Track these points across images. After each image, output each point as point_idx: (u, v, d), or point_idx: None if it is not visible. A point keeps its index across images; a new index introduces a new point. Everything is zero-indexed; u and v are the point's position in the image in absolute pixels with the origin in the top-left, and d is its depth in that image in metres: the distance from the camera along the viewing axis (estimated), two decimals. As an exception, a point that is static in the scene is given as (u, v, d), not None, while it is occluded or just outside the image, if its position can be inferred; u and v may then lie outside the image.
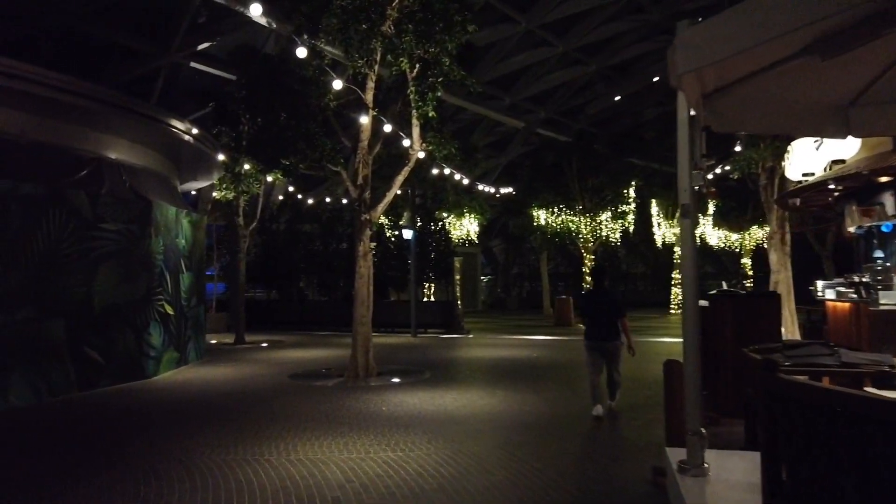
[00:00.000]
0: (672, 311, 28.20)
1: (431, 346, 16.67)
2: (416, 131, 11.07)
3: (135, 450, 6.42)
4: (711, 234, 30.13)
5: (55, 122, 10.42)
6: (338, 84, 10.57)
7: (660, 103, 32.44)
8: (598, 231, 21.97)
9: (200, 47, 18.56)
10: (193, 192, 22.78)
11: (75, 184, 10.28)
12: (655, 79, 25.92)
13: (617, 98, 27.75)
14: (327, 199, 23.93)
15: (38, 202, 9.38)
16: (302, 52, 10.08)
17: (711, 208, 28.52)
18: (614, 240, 22.27)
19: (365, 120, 11.18)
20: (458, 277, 20.80)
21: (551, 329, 21.52)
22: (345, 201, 25.14)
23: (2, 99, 9.41)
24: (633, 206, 22.33)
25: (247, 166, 15.15)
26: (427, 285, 22.85)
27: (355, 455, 6.14)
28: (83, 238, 10.00)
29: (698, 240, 28.89)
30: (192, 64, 18.91)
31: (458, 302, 19.78)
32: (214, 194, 18.61)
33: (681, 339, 4.35)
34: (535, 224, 22.90)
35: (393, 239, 21.85)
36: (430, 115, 10.59)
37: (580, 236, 21.97)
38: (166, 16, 17.52)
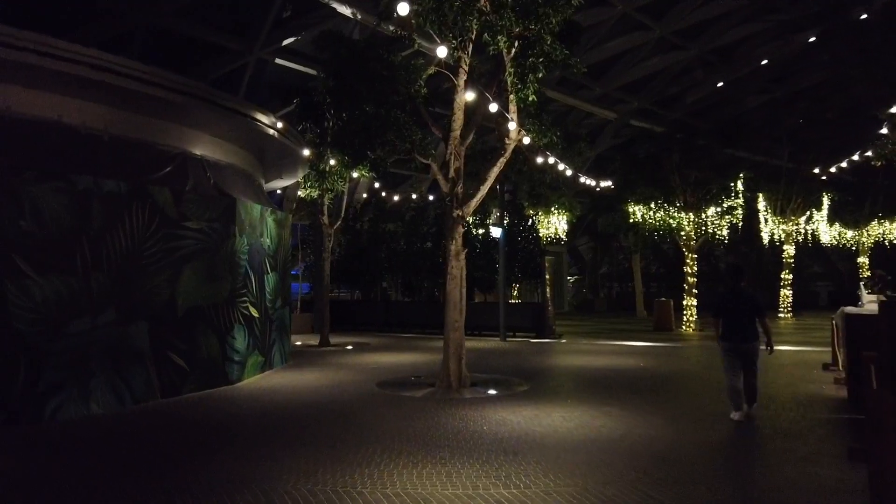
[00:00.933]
0: (781, 316, 25.87)
1: (522, 352, 15.59)
2: (513, 118, 10.05)
3: (214, 471, 5.72)
4: (824, 231, 27.50)
5: (139, 117, 10.06)
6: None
7: (764, 90, 30.03)
8: (704, 228, 20.18)
9: (285, 42, 18.24)
10: (279, 191, 22.65)
11: (159, 181, 9.87)
12: (764, 62, 23.76)
13: (720, 84, 25.68)
14: (413, 196, 23.28)
15: (121, 199, 8.98)
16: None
17: (826, 202, 25.99)
18: (721, 237, 20.41)
19: (458, 107, 10.25)
20: (548, 278, 19.57)
21: (651, 334, 19.97)
22: (431, 197, 24.45)
23: (86, 93, 9.08)
24: (741, 200, 20.38)
25: (332, 162, 14.58)
26: (515, 286, 21.75)
27: (461, 491, 5.19)
28: (167, 237, 9.57)
29: (809, 237, 26.40)
30: (278, 60, 18.63)
31: (549, 304, 18.56)
32: (299, 193, 18.24)
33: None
34: (630, 220, 21.35)
35: (479, 237, 20.87)
36: (530, 98, 9.56)
37: (682, 234, 20.25)
38: (252, 12, 17.27)
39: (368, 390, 10.13)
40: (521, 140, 10.46)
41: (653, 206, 20.83)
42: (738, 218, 20.25)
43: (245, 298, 11.11)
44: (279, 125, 12.07)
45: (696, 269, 21.21)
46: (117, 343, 8.77)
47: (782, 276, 26.21)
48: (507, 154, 10.46)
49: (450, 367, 10.34)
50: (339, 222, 17.41)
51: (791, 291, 26.34)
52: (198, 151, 11.21)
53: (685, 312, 21.03)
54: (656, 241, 21.23)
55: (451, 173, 10.56)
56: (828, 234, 27.58)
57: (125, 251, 8.96)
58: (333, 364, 13.35)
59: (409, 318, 21.41)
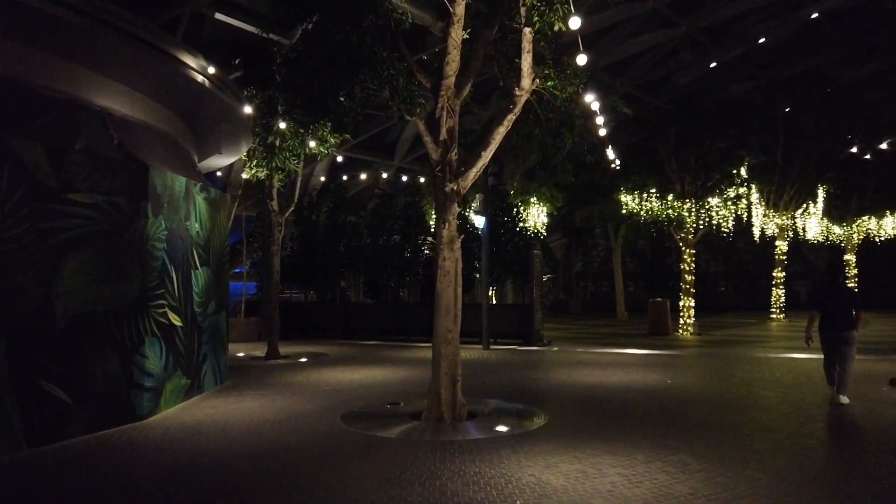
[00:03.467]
0: (774, 317, 24.03)
1: (513, 364, 13.05)
2: (527, 60, 7.48)
3: None
4: (813, 226, 25.78)
5: (9, 44, 7.10)
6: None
7: (751, 76, 28.20)
8: (706, 219, 18.04)
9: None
10: (219, 174, 19.58)
11: (29, 133, 6.91)
12: (762, 40, 21.79)
13: (713, 65, 23.61)
14: (384, 175, 20.34)
15: (-38, 156, 6.04)
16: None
17: (821, 195, 24.27)
18: (727, 230, 18.32)
19: (453, 45, 7.61)
20: (542, 277, 17.11)
21: (647, 340, 17.69)
22: (405, 178, 21.63)
23: None
24: (744, 189, 18.34)
25: (282, 125, 11.77)
26: (494, 287, 19.19)
27: None
28: (38, 214, 6.65)
29: (798, 233, 24.64)
30: (218, 15, 15.61)
31: (538, 306, 16.08)
32: (244, 175, 15.29)
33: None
34: (623, 212, 19.06)
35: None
36: (557, 26, 7.02)
37: (684, 225, 18.02)
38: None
39: (329, 428, 7.40)
40: (536, 90, 7.92)
41: (646, 194, 18.59)
42: (741, 208, 18.17)
43: (162, 302, 8.23)
44: (211, 70, 9.20)
45: (693, 266, 19.06)
46: (-50, 370, 5.84)
47: (774, 274, 24.37)
48: (517, 109, 7.89)
49: (441, 394, 7.70)
50: (291, 209, 14.55)
51: (783, 291, 24.55)
52: (98, 101, 8.26)
53: (682, 315, 18.85)
54: (652, 234, 18.92)
55: (443, 134, 7.93)
56: (817, 228, 25.85)
57: (-34, 232, 6.03)
58: (282, 384, 10.54)
59: (373, 323, 18.63)
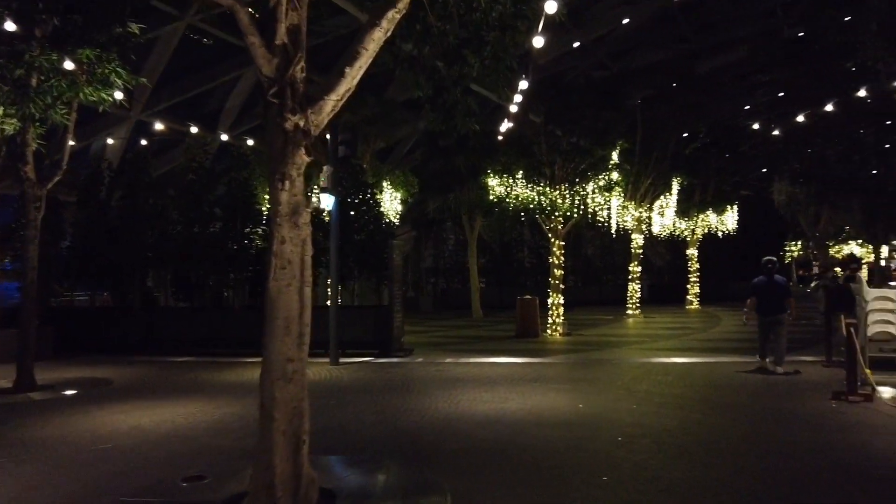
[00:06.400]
0: (631, 312, 23.20)
1: (374, 385, 10.06)
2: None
3: None
4: (664, 220, 25.46)
5: None
6: None
7: (602, 65, 27.40)
8: (580, 207, 16.23)
9: None
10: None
11: None
12: (625, 20, 20.66)
13: (576, 44, 22.15)
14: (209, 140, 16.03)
15: None
16: None
17: (676, 187, 23.87)
18: (602, 219, 16.70)
19: None
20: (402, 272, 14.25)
21: (518, 343, 15.50)
22: (225, 136, 17.34)
23: None
24: (616, 175, 16.81)
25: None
26: (351, 283, 15.96)
27: None
28: None
29: (644, 227, 24.11)
30: None
31: (398, 308, 13.23)
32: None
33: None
34: (491, 197, 16.73)
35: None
36: None
37: (555, 214, 16.05)
38: None
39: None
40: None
41: (515, 179, 16.47)
42: (619, 194, 16.65)
43: None
44: None
45: (562, 259, 17.26)
46: None
47: (631, 268, 23.59)
48: (404, 4, 4.95)
49: (275, 466, 4.56)
50: (56, 179, 10.33)
51: (640, 286, 23.88)
52: None
53: (551, 313, 16.97)
54: (522, 222, 16.83)
55: (281, 35, 4.79)
56: (666, 222, 25.53)
57: None
58: (21, 441, 6.70)
59: (185, 333, 14.51)
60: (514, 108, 13.17)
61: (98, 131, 18.40)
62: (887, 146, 24.08)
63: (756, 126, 26.75)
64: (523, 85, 12.38)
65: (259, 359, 4.75)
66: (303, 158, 4.94)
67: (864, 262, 56.60)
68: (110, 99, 9.79)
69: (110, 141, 17.35)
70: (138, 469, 5.75)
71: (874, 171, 21.98)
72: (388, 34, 5.11)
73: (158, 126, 17.64)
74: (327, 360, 12.01)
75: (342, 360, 12.26)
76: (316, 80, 6.65)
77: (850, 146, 21.46)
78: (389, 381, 10.32)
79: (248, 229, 15.90)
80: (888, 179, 22.01)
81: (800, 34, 20.79)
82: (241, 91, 20.18)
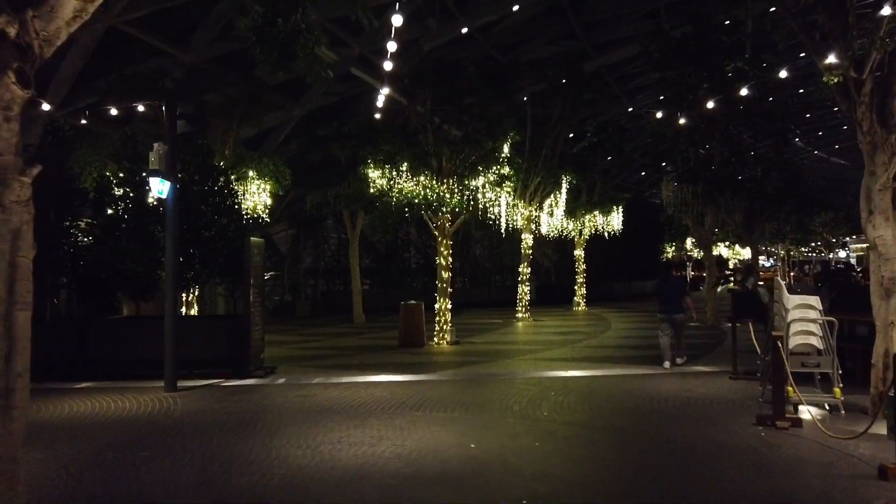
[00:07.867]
0: (520, 315, 22.13)
1: (213, 423, 7.91)
2: None
3: None
4: (552, 220, 24.63)
5: None
6: None
7: (491, 57, 26.26)
8: (470, 202, 14.70)
9: None
10: None
11: None
12: (515, 7, 19.46)
13: (464, 30, 20.65)
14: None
15: None
16: None
17: (565, 186, 23.05)
18: (494, 216, 15.27)
19: None
20: (264, 275, 12.02)
21: (402, 355, 13.75)
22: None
23: None
24: (508, 169, 15.47)
25: None
26: (192, 291, 13.38)
27: None
28: None
29: (534, 227, 23.20)
30: None
31: (258, 318, 11.07)
32: None
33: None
34: (372, 190, 14.83)
35: (127, 201, 12.18)
36: None
37: (443, 209, 14.40)
38: None
39: None
40: None
41: (399, 171, 14.72)
42: (510, 189, 15.29)
43: None
44: None
45: (450, 260, 15.72)
46: None
47: (521, 269, 22.53)
48: None
49: None
50: None
51: (529, 288, 22.88)
52: None
53: (438, 319, 15.38)
54: (407, 219, 15.07)
55: None
56: (554, 222, 24.74)
57: None
58: None
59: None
60: (388, 66, 11.55)
61: None
62: (761, 150, 24.66)
63: (642, 126, 26.71)
64: (392, 47, 10.87)
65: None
66: (13, 91, 2.90)
67: (730, 262, 59.95)
68: None
69: None
70: None
71: (753, 174, 22.25)
72: None
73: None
74: (161, 384, 9.68)
75: (183, 383, 9.96)
76: None
77: (730, 147, 21.57)
78: (235, 415, 8.21)
79: None
80: (765, 182, 22.34)
81: (684, 34, 20.67)
82: None
